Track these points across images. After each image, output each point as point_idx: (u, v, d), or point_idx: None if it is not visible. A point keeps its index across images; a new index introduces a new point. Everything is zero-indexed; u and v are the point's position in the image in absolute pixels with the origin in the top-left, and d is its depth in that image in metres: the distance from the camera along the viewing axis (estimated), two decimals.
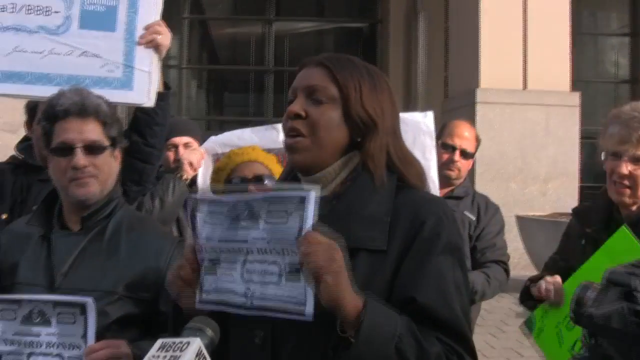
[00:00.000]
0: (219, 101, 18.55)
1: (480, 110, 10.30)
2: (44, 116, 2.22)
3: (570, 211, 2.83)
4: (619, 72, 15.80)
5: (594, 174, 13.31)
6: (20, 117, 3.18)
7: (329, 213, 1.55)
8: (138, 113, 2.84)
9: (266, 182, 2.65)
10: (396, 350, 1.44)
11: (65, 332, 1.96)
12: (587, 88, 13.14)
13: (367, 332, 1.42)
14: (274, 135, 3.18)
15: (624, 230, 2.37)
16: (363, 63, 1.74)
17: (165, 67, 2.72)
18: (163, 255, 2.19)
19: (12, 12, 2.71)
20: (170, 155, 3.50)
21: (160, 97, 2.77)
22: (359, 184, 1.64)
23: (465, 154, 3.70)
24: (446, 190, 3.65)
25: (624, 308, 1.10)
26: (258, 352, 1.60)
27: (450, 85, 12.57)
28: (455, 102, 11.23)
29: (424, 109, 3.29)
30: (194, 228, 1.60)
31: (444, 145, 3.67)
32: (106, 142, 2.20)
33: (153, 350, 1.41)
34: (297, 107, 1.65)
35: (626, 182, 2.43)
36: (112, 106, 2.28)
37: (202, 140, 3.50)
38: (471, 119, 9.34)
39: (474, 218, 3.63)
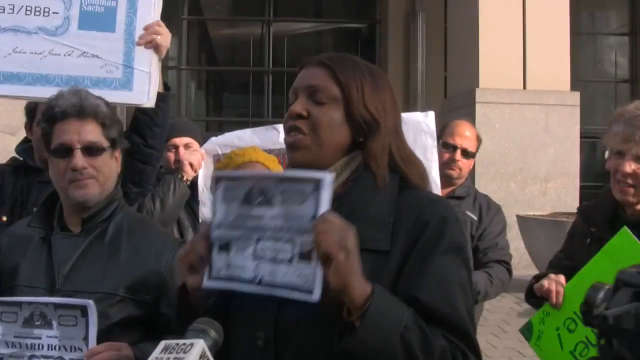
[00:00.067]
0: (217, 102, 18.57)
1: (479, 110, 10.30)
2: (43, 118, 2.21)
3: (570, 210, 2.83)
4: (618, 72, 15.82)
5: (593, 174, 13.34)
6: (20, 119, 3.18)
7: None
8: (138, 114, 2.83)
9: None
10: (401, 339, 1.43)
11: (66, 335, 1.96)
12: (586, 88, 13.14)
13: (373, 317, 1.41)
14: (275, 136, 3.17)
15: (626, 232, 2.37)
16: (364, 62, 1.74)
17: (164, 68, 2.73)
18: (164, 257, 2.18)
19: (11, 13, 2.70)
20: (171, 156, 3.49)
21: (160, 97, 2.77)
22: (361, 185, 1.63)
23: (466, 154, 3.69)
24: (447, 190, 3.64)
25: (636, 308, 1.09)
26: (260, 353, 1.59)
27: (449, 85, 12.57)
28: (455, 102, 11.23)
29: (423, 109, 3.28)
30: (213, 204, 1.61)
31: (445, 145, 3.66)
32: (105, 144, 2.18)
33: (156, 352, 1.41)
34: (299, 107, 1.65)
35: (630, 181, 2.43)
36: (112, 107, 2.27)
37: (202, 141, 3.49)
38: (471, 118, 9.31)
39: (475, 218, 3.62)
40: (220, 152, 3.31)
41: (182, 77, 15.98)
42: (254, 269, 1.52)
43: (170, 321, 2.01)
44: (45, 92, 2.43)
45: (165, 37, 2.74)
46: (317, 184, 1.44)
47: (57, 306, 1.96)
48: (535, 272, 3.26)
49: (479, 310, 3.71)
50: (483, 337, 6.40)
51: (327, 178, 1.44)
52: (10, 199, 2.91)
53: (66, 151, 2.14)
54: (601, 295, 1.24)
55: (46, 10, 2.70)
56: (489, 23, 10.43)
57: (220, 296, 1.68)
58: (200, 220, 3.35)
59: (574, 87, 10.91)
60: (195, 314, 1.60)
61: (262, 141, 3.17)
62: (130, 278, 2.12)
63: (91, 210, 2.19)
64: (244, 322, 1.63)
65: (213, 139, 3.42)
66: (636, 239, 2.35)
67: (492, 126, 10.02)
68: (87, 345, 1.94)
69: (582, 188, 10.71)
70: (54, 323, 1.96)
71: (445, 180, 3.55)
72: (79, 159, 2.13)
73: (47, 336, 1.97)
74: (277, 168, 2.77)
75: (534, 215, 9.34)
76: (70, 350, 1.96)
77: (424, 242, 1.56)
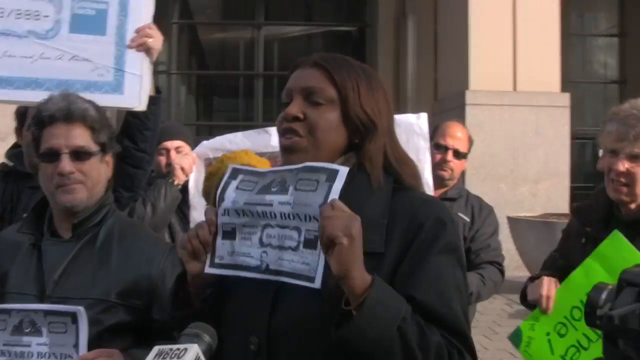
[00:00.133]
0: (208, 106, 18.52)
1: (470, 112, 10.31)
2: (33, 122, 2.19)
3: (560, 211, 2.83)
4: (607, 73, 15.89)
5: (584, 175, 13.37)
6: (10, 124, 3.16)
7: None
8: (129, 117, 2.81)
9: None
10: (399, 332, 1.42)
11: (56, 342, 1.93)
12: (576, 89, 13.18)
13: (372, 307, 1.41)
14: (266, 139, 3.16)
15: (617, 235, 2.37)
16: (357, 62, 1.73)
17: (154, 72, 2.71)
18: (155, 262, 2.16)
19: (1, 17, 2.68)
20: (162, 159, 3.47)
21: (152, 101, 2.75)
22: (355, 186, 1.61)
23: (458, 154, 3.70)
24: (440, 191, 3.64)
25: None
26: (253, 358, 1.58)
27: (440, 88, 12.59)
28: (445, 104, 11.24)
29: (414, 111, 3.27)
30: (222, 191, 1.61)
31: (437, 146, 3.67)
32: (94, 148, 2.16)
33: (150, 357, 1.40)
34: (295, 109, 1.63)
35: (623, 180, 2.42)
36: (102, 111, 2.24)
37: (193, 144, 3.47)
38: (461, 120, 9.34)
39: (468, 219, 3.63)
40: (211, 156, 3.29)
41: (172, 82, 15.91)
42: (260, 256, 1.53)
43: (161, 327, 2.00)
44: (35, 96, 2.41)
45: (156, 40, 2.73)
46: (331, 174, 1.45)
47: (46, 313, 1.94)
48: (526, 273, 3.27)
49: (471, 312, 3.70)
50: (475, 339, 6.32)
51: (344, 170, 1.46)
52: (0, 204, 2.89)
53: (53, 156, 2.12)
54: (604, 295, 1.24)
55: (37, 13, 2.68)
56: (479, 25, 10.46)
57: (214, 296, 1.67)
58: (191, 224, 3.33)
59: (564, 88, 10.94)
60: (191, 304, 1.61)
61: (254, 144, 3.14)
62: (121, 283, 2.10)
63: (81, 216, 2.17)
64: (237, 326, 1.62)
65: (204, 142, 3.40)
66: (627, 241, 2.35)
67: (483, 128, 10.02)
68: (77, 352, 1.92)
69: (572, 189, 10.74)
70: (44, 330, 1.94)
71: (438, 181, 3.55)
72: (66, 164, 2.11)
73: (36, 344, 1.94)
74: None
75: (524, 216, 9.37)
76: (61, 358, 1.93)
77: (419, 244, 1.55)
